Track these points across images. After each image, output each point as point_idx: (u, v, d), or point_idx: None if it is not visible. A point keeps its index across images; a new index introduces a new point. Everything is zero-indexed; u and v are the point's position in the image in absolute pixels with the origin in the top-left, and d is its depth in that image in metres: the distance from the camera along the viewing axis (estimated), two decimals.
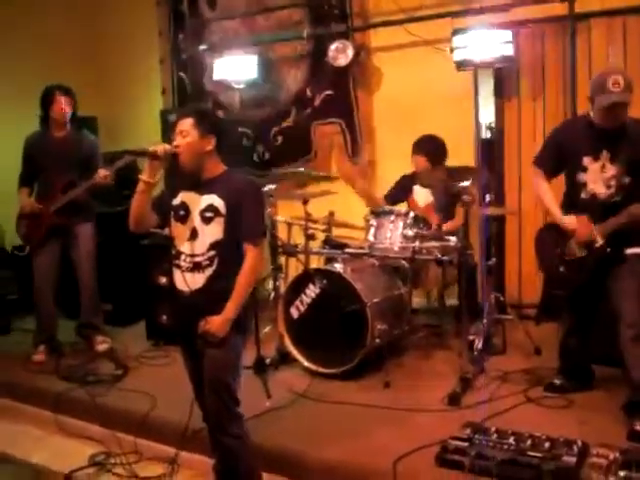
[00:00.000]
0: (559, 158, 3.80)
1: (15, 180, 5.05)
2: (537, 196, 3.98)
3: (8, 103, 6.44)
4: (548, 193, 3.85)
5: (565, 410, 3.74)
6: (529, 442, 3.13)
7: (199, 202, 3.00)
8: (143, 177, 2.97)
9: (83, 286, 5.10)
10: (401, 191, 5.28)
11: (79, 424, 4.17)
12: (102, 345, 5.13)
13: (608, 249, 3.54)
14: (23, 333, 5.60)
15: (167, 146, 2.95)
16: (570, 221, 3.69)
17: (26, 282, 5.38)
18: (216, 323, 2.91)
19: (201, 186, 3.03)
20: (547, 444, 3.10)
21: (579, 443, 3.08)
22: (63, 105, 4.88)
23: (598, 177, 3.61)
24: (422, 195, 5.19)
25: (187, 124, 2.97)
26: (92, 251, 5.10)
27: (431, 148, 4.99)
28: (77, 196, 4.90)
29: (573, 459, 2.96)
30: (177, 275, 3.05)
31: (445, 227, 4.82)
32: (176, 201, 3.08)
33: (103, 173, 4.75)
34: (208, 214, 2.97)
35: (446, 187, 4.79)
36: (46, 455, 3.94)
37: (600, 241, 3.55)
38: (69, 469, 3.67)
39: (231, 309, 2.93)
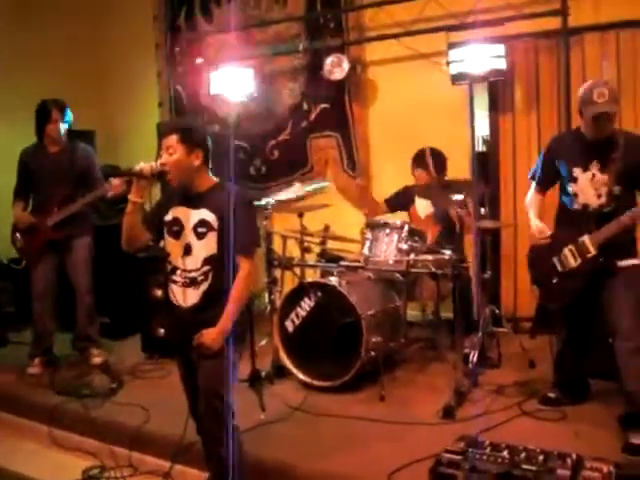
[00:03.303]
0: (549, 171, 3.85)
1: (11, 192, 5.05)
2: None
3: (6, 115, 6.46)
4: (532, 202, 3.95)
5: (560, 423, 3.74)
6: (523, 455, 3.11)
7: (191, 217, 3.01)
8: (131, 197, 2.98)
9: (79, 299, 5.08)
10: (402, 200, 5.33)
11: (74, 437, 4.15)
12: (97, 358, 5.09)
13: (601, 259, 3.55)
14: (19, 346, 5.58)
15: (154, 165, 2.94)
16: (536, 225, 3.81)
17: (23, 294, 5.38)
18: (211, 336, 2.92)
19: (192, 200, 3.03)
20: (541, 457, 3.08)
21: (573, 456, 3.07)
22: (59, 126, 4.87)
23: (588, 187, 3.64)
24: (422, 206, 5.22)
25: (172, 140, 2.96)
26: (89, 264, 5.08)
27: (431, 162, 5.03)
28: (76, 209, 4.88)
29: (567, 472, 2.94)
30: (173, 290, 3.06)
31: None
32: (168, 217, 3.08)
33: (117, 182, 4.63)
34: (201, 229, 2.98)
35: (444, 199, 4.82)
36: (40, 469, 3.91)
37: (593, 251, 3.56)
38: None
39: (225, 321, 2.94)
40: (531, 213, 3.91)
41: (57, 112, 4.86)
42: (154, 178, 2.95)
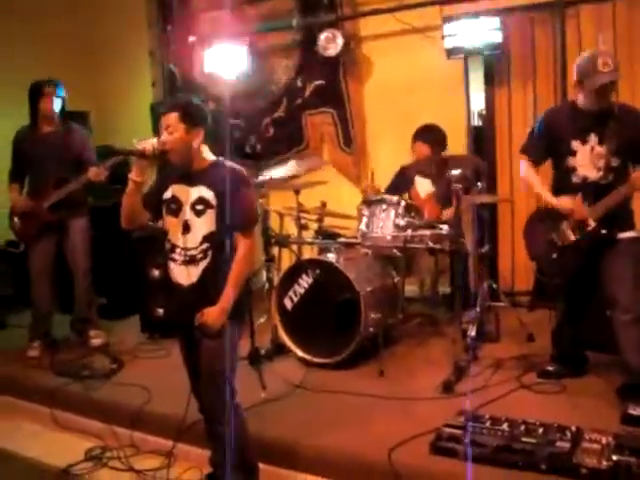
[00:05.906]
0: (545, 145, 3.80)
1: (6, 175, 5.02)
2: (525, 183, 3.96)
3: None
4: (537, 179, 3.85)
5: (559, 396, 3.76)
6: (523, 428, 3.15)
7: (189, 195, 2.99)
8: (132, 176, 2.95)
9: (77, 281, 5.08)
10: (402, 182, 5.27)
11: (75, 419, 4.17)
12: (96, 339, 5.13)
13: (602, 231, 3.55)
14: (19, 329, 5.57)
15: (155, 144, 2.91)
16: (565, 202, 3.69)
17: (22, 277, 5.37)
18: (213, 314, 2.91)
19: (190, 178, 3.01)
20: (541, 430, 3.12)
21: (572, 428, 3.11)
22: (52, 101, 4.80)
23: (588, 160, 3.61)
24: (423, 186, 5.19)
25: (172, 119, 2.94)
26: (86, 245, 5.07)
27: (434, 137, 5.03)
28: (71, 191, 4.86)
29: (567, 444, 2.98)
30: (172, 268, 3.05)
31: (444, 215, 4.85)
32: (167, 195, 3.06)
33: (94, 172, 4.69)
34: (199, 207, 2.96)
35: (446, 176, 4.80)
36: (42, 450, 3.92)
37: (593, 224, 3.56)
38: (66, 464, 3.67)
39: (226, 299, 2.93)
40: (544, 192, 3.78)
41: (49, 87, 4.80)
42: (155, 157, 2.92)
